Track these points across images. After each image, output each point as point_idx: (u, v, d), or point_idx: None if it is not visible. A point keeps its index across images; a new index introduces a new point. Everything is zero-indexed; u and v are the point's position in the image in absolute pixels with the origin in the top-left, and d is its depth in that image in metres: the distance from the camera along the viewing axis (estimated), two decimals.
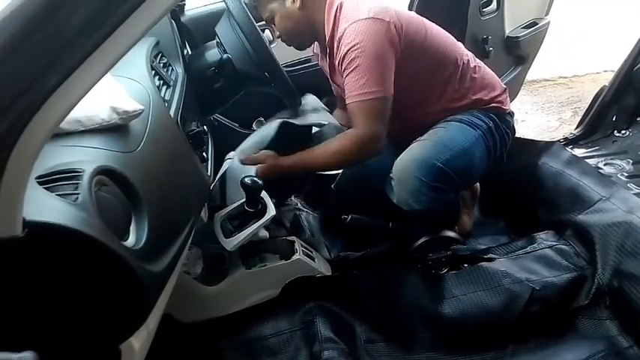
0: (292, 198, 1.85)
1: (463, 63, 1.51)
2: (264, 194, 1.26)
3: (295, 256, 1.33)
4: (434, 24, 1.52)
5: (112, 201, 0.67)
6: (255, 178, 1.20)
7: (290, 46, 1.55)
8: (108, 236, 0.62)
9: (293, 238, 1.39)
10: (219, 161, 1.38)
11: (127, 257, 0.63)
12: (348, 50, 1.33)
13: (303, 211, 1.79)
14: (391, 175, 1.45)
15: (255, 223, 1.24)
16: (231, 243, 1.22)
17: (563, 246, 1.49)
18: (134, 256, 0.65)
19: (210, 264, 1.35)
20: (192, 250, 1.30)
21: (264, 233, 1.30)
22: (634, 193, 1.52)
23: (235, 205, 1.28)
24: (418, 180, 1.40)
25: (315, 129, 1.52)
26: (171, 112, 0.95)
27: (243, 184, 1.20)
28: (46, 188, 0.62)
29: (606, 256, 1.39)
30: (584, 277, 1.40)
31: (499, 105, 1.54)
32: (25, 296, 0.57)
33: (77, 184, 0.63)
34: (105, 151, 0.71)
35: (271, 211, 1.25)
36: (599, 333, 1.32)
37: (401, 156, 1.44)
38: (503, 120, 1.54)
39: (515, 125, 1.62)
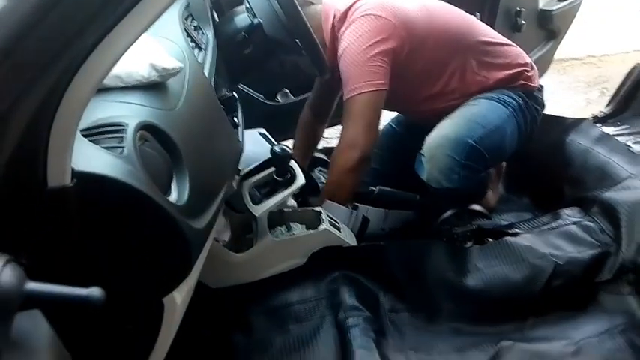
0: (316, 172, 1.84)
1: (480, 44, 1.47)
2: (293, 163, 1.26)
3: (322, 226, 1.32)
4: (442, 5, 1.48)
5: (155, 156, 0.67)
6: (284, 147, 1.20)
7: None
8: (153, 190, 0.62)
9: (319, 208, 1.39)
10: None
11: (171, 211, 0.64)
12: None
13: None
14: (422, 152, 1.44)
15: (284, 191, 1.24)
16: (260, 210, 1.22)
17: (588, 222, 1.47)
18: (177, 211, 0.65)
19: (237, 232, 1.36)
20: (219, 219, 1.31)
21: (292, 202, 1.30)
22: None
23: (264, 173, 1.28)
24: (450, 158, 1.38)
25: None
26: (206, 74, 0.95)
27: (272, 152, 1.20)
28: (91, 141, 0.62)
29: (632, 232, 1.37)
30: (608, 253, 1.38)
31: (526, 82, 1.51)
32: (78, 244, 0.58)
33: (122, 137, 0.63)
34: (146, 108, 0.71)
35: (300, 179, 1.25)
36: (619, 307, 1.31)
37: (432, 133, 1.42)
38: (532, 97, 1.51)
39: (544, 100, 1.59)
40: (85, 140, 0.62)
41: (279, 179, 1.25)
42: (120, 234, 0.62)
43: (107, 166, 0.59)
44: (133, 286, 0.64)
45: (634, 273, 1.33)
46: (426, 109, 1.48)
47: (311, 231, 1.32)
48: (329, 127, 1.82)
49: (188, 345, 1.21)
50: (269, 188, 1.26)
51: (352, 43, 1.37)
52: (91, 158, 0.59)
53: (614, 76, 2.03)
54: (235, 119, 1.09)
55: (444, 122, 1.44)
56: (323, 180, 1.79)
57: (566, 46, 2.05)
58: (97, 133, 0.63)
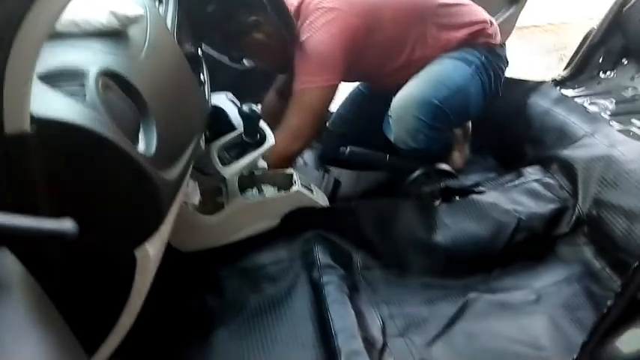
0: None
1: (437, 7, 1.46)
2: (262, 124, 1.23)
3: (294, 188, 1.31)
4: None
5: (119, 104, 0.64)
6: (253, 106, 1.17)
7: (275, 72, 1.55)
8: (120, 137, 0.59)
9: (291, 170, 1.37)
10: None
11: (139, 160, 0.61)
12: None
13: None
14: (389, 114, 1.43)
15: (254, 152, 1.21)
16: (229, 171, 1.19)
17: (548, 179, 1.51)
18: (146, 161, 0.62)
19: (207, 196, 1.32)
20: (189, 182, 1.27)
21: (263, 164, 1.27)
22: (617, 130, 1.53)
23: (233, 134, 1.25)
24: (417, 119, 1.39)
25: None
26: (168, 24, 0.90)
27: (241, 112, 1.16)
28: (51, 88, 0.58)
29: (587, 187, 1.42)
30: (567, 207, 1.43)
31: (488, 40, 1.51)
32: (42, 193, 0.55)
33: (83, 83, 0.59)
34: (107, 55, 0.67)
35: (270, 140, 1.22)
36: (576, 257, 1.37)
37: (398, 95, 1.42)
38: (495, 54, 1.51)
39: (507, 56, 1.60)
40: (44, 86, 0.58)
41: (249, 140, 1.21)
42: (86, 183, 0.59)
43: (68, 112, 0.55)
44: (103, 237, 0.61)
45: (589, 225, 1.39)
46: (393, 79, 1.48)
47: (283, 192, 1.30)
48: None
49: (161, 309, 1.19)
50: (238, 149, 1.23)
51: (309, 37, 1.36)
52: (50, 104, 0.55)
53: (572, 43, 2.06)
54: (201, 77, 1.05)
55: (409, 83, 1.44)
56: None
57: (527, 14, 2.07)
58: (56, 79, 0.59)
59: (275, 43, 1.42)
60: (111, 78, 0.64)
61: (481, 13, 1.53)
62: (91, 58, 0.64)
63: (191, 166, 0.85)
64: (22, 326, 0.39)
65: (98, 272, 0.65)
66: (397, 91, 1.45)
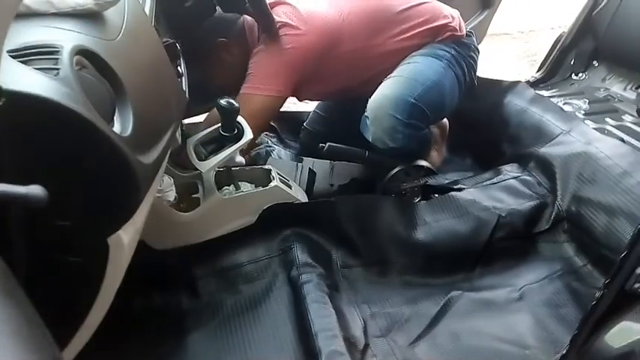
0: (264, 137, 1.81)
1: (397, 14, 1.49)
2: (240, 118, 1.21)
3: (272, 183, 1.29)
4: None
5: (95, 83, 0.61)
6: (231, 100, 1.15)
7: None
8: (94, 115, 0.56)
9: (269, 166, 1.35)
10: None
11: (115, 140, 0.58)
12: None
13: (275, 148, 1.75)
14: (366, 114, 1.44)
15: (231, 146, 1.19)
16: (206, 166, 1.17)
17: (526, 177, 1.54)
18: (122, 142, 0.60)
19: (183, 193, 1.29)
20: (164, 179, 1.24)
21: (241, 159, 1.25)
22: (592, 128, 1.57)
23: (210, 129, 1.22)
24: (393, 118, 1.40)
25: None
26: (146, 11, 0.88)
27: (218, 105, 1.14)
28: (21, 62, 0.56)
29: (566, 184, 1.44)
30: (546, 204, 1.45)
31: (453, 32, 1.53)
32: (10, 169, 0.52)
33: (56, 59, 0.57)
34: (82, 35, 0.64)
35: (248, 134, 1.20)
36: (557, 255, 1.39)
37: (374, 96, 1.44)
38: (463, 45, 1.54)
39: (476, 42, 1.62)
40: (15, 62, 0.55)
41: (226, 134, 1.19)
42: (58, 160, 0.56)
43: (39, 86, 0.53)
44: (75, 220, 0.58)
45: (569, 222, 1.41)
46: (366, 90, 1.49)
47: (261, 188, 1.28)
48: None
49: (135, 309, 1.15)
50: (215, 144, 1.20)
51: (265, 48, 1.41)
52: (21, 77, 0.53)
53: (542, 50, 2.13)
54: (179, 68, 1.03)
55: (384, 84, 1.46)
56: (270, 144, 1.76)
57: (497, 21, 2.12)
58: (28, 54, 0.57)
59: (237, 65, 1.46)
60: (86, 57, 0.62)
61: (440, 9, 1.56)
62: (65, 36, 0.61)
63: (168, 153, 0.83)
64: None
65: (68, 261, 0.62)
66: (372, 92, 1.46)
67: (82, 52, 0.61)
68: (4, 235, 0.54)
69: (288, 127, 1.91)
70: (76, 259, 0.62)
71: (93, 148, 0.57)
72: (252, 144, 1.49)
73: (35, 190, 0.36)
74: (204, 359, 1.09)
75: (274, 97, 1.41)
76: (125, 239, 0.65)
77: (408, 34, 1.49)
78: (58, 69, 0.56)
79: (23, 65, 0.55)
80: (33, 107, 0.52)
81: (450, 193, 1.46)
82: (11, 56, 0.55)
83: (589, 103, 1.79)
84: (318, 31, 1.41)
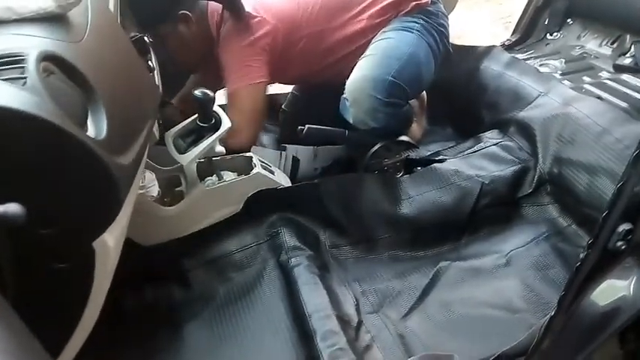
0: None
1: None
2: (217, 107, 1.21)
3: (254, 170, 1.31)
4: None
5: (64, 89, 0.62)
6: (205, 90, 1.15)
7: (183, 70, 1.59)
8: (66, 122, 0.57)
9: (250, 154, 1.36)
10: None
11: (90, 145, 0.59)
12: None
13: None
14: (344, 96, 1.45)
15: (210, 136, 1.20)
16: (187, 158, 1.18)
17: (507, 142, 1.57)
18: (97, 145, 0.61)
19: (166, 187, 1.30)
20: (145, 174, 1.25)
21: (221, 148, 1.26)
22: (569, 88, 1.59)
23: (187, 121, 1.23)
24: (373, 98, 1.42)
25: None
26: (111, 8, 0.88)
27: (193, 97, 1.15)
28: None
29: (546, 146, 1.47)
30: (528, 168, 1.49)
31: (417, 2, 1.54)
32: None
33: (22, 68, 0.57)
34: (47, 40, 0.64)
35: (226, 123, 1.21)
36: (541, 217, 1.42)
37: (351, 77, 1.45)
38: (430, 13, 1.55)
39: (444, 10, 1.64)
40: None
41: (204, 125, 1.20)
42: (33, 171, 0.57)
43: (8, 98, 0.53)
44: (56, 229, 0.60)
45: (551, 183, 1.45)
46: (339, 72, 1.51)
47: (243, 176, 1.30)
48: None
49: (127, 306, 1.17)
50: (194, 136, 1.21)
51: (231, 40, 1.45)
52: None
53: (516, 12, 2.13)
54: (150, 63, 1.03)
55: (360, 63, 1.47)
56: None
57: None
58: None
59: (196, 43, 1.49)
60: (53, 62, 0.62)
61: None
62: (29, 43, 0.62)
63: (146, 152, 0.84)
64: None
65: (55, 268, 0.63)
66: (348, 74, 1.47)
67: (49, 58, 0.62)
68: None
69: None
70: (63, 266, 0.63)
71: (68, 155, 0.58)
72: (253, 141, 1.53)
73: (12, 208, 0.38)
74: (200, 349, 1.12)
75: (259, 83, 1.44)
76: (110, 241, 0.66)
77: (369, 12, 1.51)
78: (24, 77, 0.57)
79: None
80: (3, 119, 0.53)
81: (432, 165, 1.48)
82: None
83: (565, 62, 1.81)
84: (277, 17, 1.46)
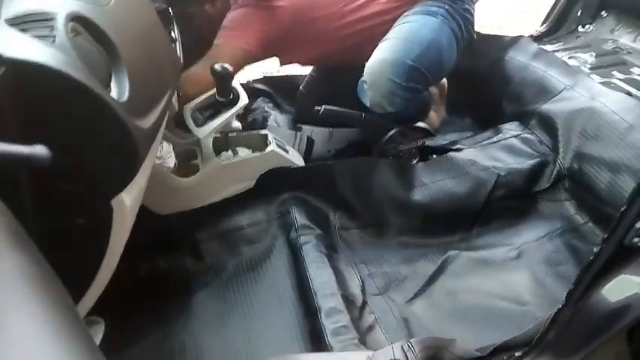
0: (259, 102, 1.85)
1: None
2: (235, 83, 1.25)
3: (269, 148, 1.34)
4: None
5: (90, 49, 0.66)
6: (225, 65, 1.18)
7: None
8: (92, 81, 0.61)
9: (265, 131, 1.40)
10: None
11: (113, 105, 0.63)
12: None
13: (271, 113, 1.79)
14: (363, 79, 1.47)
15: (227, 111, 1.23)
16: (204, 131, 1.22)
17: (527, 135, 1.57)
18: (120, 107, 0.65)
19: (182, 159, 1.35)
20: (163, 145, 1.30)
21: (237, 124, 1.30)
22: (598, 82, 1.57)
23: (206, 95, 1.27)
24: (392, 82, 1.43)
25: None
26: None
27: (212, 70, 1.18)
28: (19, 30, 0.60)
29: (568, 141, 1.47)
30: (547, 162, 1.49)
31: None
32: (11, 137, 0.57)
33: (52, 26, 0.61)
34: (76, 1, 0.68)
35: (244, 99, 1.24)
36: (557, 213, 1.43)
37: (371, 59, 1.46)
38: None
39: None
40: (12, 30, 0.59)
41: (222, 100, 1.24)
42: (58, 127, 0.61)
43: (38, 54, 0.57)
44: (78, 184, 0.64)
45: (570, 180, 1.45)
46: (359, 56, 1.52)
47: (258, 153, 1.33)
48: None
49: (140, 273, 1.22)
50: (212, 110, 1.25)
51: (240, 4, 1.47)
52: (19, 45, 0.57)
53: (547, 3, 2.10)
54: (172, 34, 1.07)
55: (380, 46, 1.48)
56: (266, 109, 1.79)
57: None
58: (24, 22, 0.61)
59: (219, 21, 1.49)
60: (80, 23, 0.66)
61: None
62: (59, 3, 0.65)
63: (165, 120, 0.87)
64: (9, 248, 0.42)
65: (74, 223, 0.68)
66: (369, 56, 1.48)
67: (77, 19, 0.65)
68: (14, 197, 0.59)
69: (283, 91, 1.94)
70: (81, 221, 0.67)
71: (91, 113, 0.62)
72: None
73: (39, 149, 0.41)
74: (209, 318, 1.16)
75: (242, 49, 1.43)
76: (127, 201, 0.70)
77: None
78: (54, 36, 0.60)
79: (21, 33, 0.59)
80: (32, 74, 0.57)
81: (448, 154, 1.50)
82: (9, 25, 0.60)
83: (596, 56, 1.79)
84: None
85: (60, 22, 0.62)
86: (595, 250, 0.76)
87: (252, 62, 1.52)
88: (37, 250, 0.49)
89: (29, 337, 0.39)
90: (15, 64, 0.55)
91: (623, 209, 0.71)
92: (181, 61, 1.06)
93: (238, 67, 1.47)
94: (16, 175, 0.60)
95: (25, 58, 0.56)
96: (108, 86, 0.67)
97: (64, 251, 0.68)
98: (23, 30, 0.60)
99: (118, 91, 0.68)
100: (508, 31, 1.93)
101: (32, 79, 0.57)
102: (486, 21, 1.69)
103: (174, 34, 1.08)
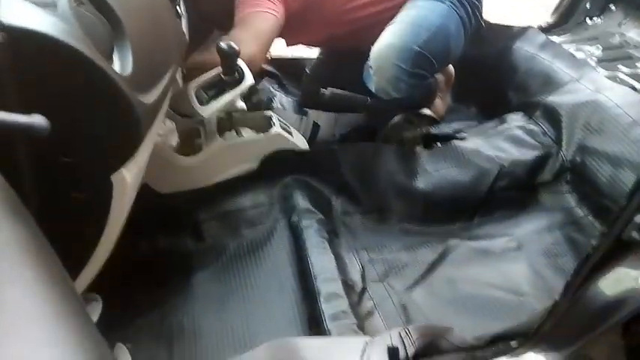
0: (265, 82, 1.82)
1: None
2: (240, 62, 1.22)
3: (273, 130, 1.32)
4: None
5: (92, 20, 0.63)
6: (231, 43, 1.16)
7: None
8: (93, 52, 0.59)
9: (270, 112, 1.38)
10: None
11: (115, 78, 0.61)
12: None
13: (276, 94, 1.76)
14: (369, 63, 1.44)
15: (232, 91, 1.21)
16: (207, 110, 1.20)
17: (532, 126, 1.55)
18: (122, 80, 0.62)
19: (185, 138, 1.33)
20: (166, 123, 1.27)
21: (242, 104, 1.28)
22: (604, 76, 1.56)
23: (210, 73, 1.24)
24: (397, 67, 1.41)
25: None
26: None
27: (218, 48, 1.15)
28: None
29: (572, 133, 1.45)
30: (550, 154, 1.47)
31: None
32: (11, 105, 0.55)
33: None
34: None
35: (249, 79, 1.22)
36: (558, 205, 1.41)
37: (377, 43, 1.43)
38: None
39: None
40: None
41: (227, 79, 1.21)
42: (58, 98, 0.59)
43: (40, 22, 0.55)
44: (78, 157, 0.62)
45: (572, 172, 1.43)
46: (364, 39, 1.49)
47: (262, 134, 1.31)
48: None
49: (141, 251, 1.21)
50: (216, 89, 1.23)
51: None
52: (21, 14, 0.55)
53: None
54: (178, 9, 1.04)
55: (387, 31, 1.45)
56: (271, 89, 1.77)
57: None
58: None
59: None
60: None
61: None
62: None
63: (168, 96, 0.85)
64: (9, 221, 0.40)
65: (73, 197, 0.66)
66: (373, 42, 1.46)
67: None
68: (12, 169, 0.57)
69: (289, 73, 1.92)
70: (81, 196, 0.65)
71: (93, 85, 0.60)
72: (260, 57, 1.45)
73: (38, 119, 0.39)
74: (208, 299, 1.15)
75: (271, 14, 1.38)
76: (128, 177, 0.69)
77: None
78: (55, 5, 0.58)
79: (22, 1, 0.57)
80: (33, 43, 0.55)
81: (452, 142, 1.48)
82: None
83: (602, 49, 1.76)
84: None
85: None
86: (594, 243, 0.75)
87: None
88: (34, 222, 0.48)
89: (24, 311, 0.37)
90: (15, 32, 0.53)
91: (624, 205, 0.71)
92: (187, 37, 1.03)
93: (272, 37, 1.42)
94: (15, 146, 0.58)
95: (26, 26, 0.54)
96: (110, 59, 0.65)
97: (62, 225, 0.66)
98: None
99: (121, 64, 0.65)
100: (514, 20, 1.90)
101: (32, 48, 0.55)
102: (493, 9, 1.65)
103: (181, 9, 1.05)
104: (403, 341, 0.86)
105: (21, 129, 0.40)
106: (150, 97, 0.70)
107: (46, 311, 0.38)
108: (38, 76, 0.57)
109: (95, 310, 0.84)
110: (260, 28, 1.38)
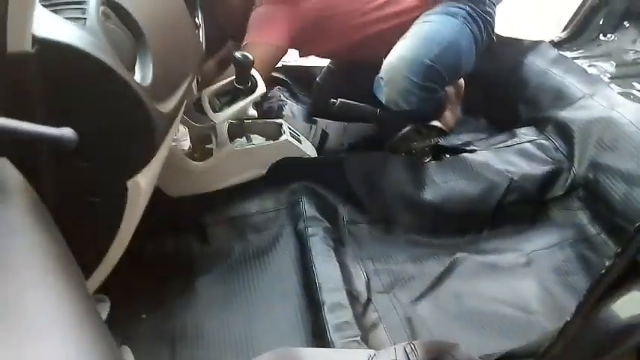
0: (276, 91, 1.86)
1: None
2: (254, 71, 1.26)
3: (283, 137, 1.36)
4: None
5: (118, 34, 0.67)
6: (245, 53, 1.20)
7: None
8: (118, 64, 0.63)
9: (280, 120, 1.41)
10: None
11: (136, 89, 0.65)
12: None
13: (287, 102, 1.80)
14: (380, 75, 1.47)
15: (244, 98, 1.25)
16: (220, 117, 1.24)
17: (543, 141, 1.56)
18: (142, 91, 0.66)
19: (197, 143, 1.37)
20: (179, 128, 1.31)
21: (253, 112, 1.31)
22: (617, 93, 1.57)
23: (224, 81, 1.28)
24: (408, 80, 1.43)
25: None
26: None
27: (233, 58, 1.19)
28: (52, 11, 0.61)
29: (584, 150, 1.46)
30: (561, 170, 1.48)
31: None
32: (39, 114, 0.58)
33: (84, 9, 0.63)
34: None
35: (262, 88, 1.26)
36: (569, 222, 1.42)
37: (389, 56, 1.47)
38: (478, 1, 1.54)
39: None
40: (46, 11, 0.61)
41: (240, 87, 1.25)
42: (82, 107, 0.63)
43: (69, 35, 0.59)
44: (97, 163, 0.65)
45: (584, 189, 1.44)
46: (377, 52, 1.52)
47: (272, 141, 1.35)
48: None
49: (147, 253, 1.25)
50: (229, 96, 1.27)
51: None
52: (52, 26, 0.60)
53: (570, 8, 2.08)
54: (196, 20, 1.08)
55: (399, 44, 1.49)
56: (282, 97, 1.81)
57: None
58: (57, 4, 0.64)
59: (242, 11, 1.50)
60: (111, 7, 0.68)
61: None
62: None
63: (184, 103, 0.89)
64: (24, 228, 0.44)
65: (89, 201, 0.69)
66: (387, 53, 1.49)
67: (107, 3, 0.67)
68: (35, 174, 0.61)
69: (300, 81, 1.96)
70: (96, 200, 0.69)
71: (115, 95, 0.64)
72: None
73: (67, 132, 0.43)
74: (212, 302, 1.18)
75: (274, 46, 1.45)
76: (143, 183, 0.72)
77: None
78: (85, 19, 0.62)
79: (54, 14, 0.61)
80: (62, 55, 0.59)
81: (461, 154, 1.50)
82: (43, 5, 0.62)
83: (616, 66, 1.79)
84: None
85: (92, 6, 0.64)
86: (607, 263, 0.74)
87: (282, 58, 1.54)
88: (56, 228, 0.51)
89: (45, 314, 0.41)
90: (46, 44, 0.57)
91: (638, 224, 0.71)
92: (203, 47, 1.07)
93: (272, 64, 1.49)
94: (39, 153, 0.62)
95: (57, 39, 0.58)
96: (132, 70, 0.69)
97: (76, 228, 0.70)
98: (56, 11, 0.62)
99: (142, 74, 0.69)
100: (526, 34, 1.92)
101: (62, 59, 0.59)
102: (504, 22, 1.68)
103: (199, 20, 1.09)
104: (408, 356, 0.87)
105: (50, 141, 0.44)
106: (167, 106, 0.74)
107: (64, 314, 0.42)
108: (66, 85, 0.61)
109: (103, 311, 0.88)
110: (260, 58, 1.42)
